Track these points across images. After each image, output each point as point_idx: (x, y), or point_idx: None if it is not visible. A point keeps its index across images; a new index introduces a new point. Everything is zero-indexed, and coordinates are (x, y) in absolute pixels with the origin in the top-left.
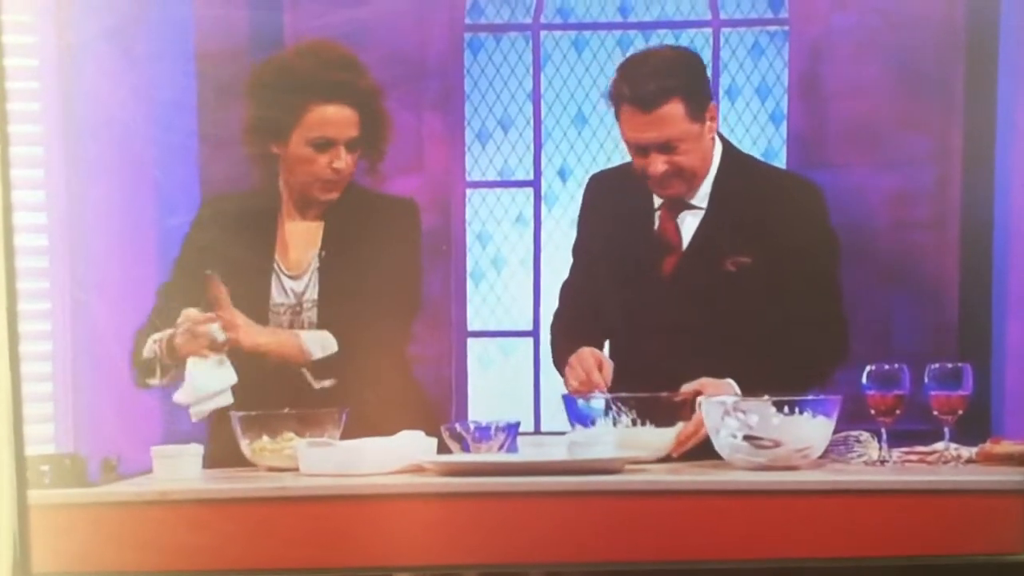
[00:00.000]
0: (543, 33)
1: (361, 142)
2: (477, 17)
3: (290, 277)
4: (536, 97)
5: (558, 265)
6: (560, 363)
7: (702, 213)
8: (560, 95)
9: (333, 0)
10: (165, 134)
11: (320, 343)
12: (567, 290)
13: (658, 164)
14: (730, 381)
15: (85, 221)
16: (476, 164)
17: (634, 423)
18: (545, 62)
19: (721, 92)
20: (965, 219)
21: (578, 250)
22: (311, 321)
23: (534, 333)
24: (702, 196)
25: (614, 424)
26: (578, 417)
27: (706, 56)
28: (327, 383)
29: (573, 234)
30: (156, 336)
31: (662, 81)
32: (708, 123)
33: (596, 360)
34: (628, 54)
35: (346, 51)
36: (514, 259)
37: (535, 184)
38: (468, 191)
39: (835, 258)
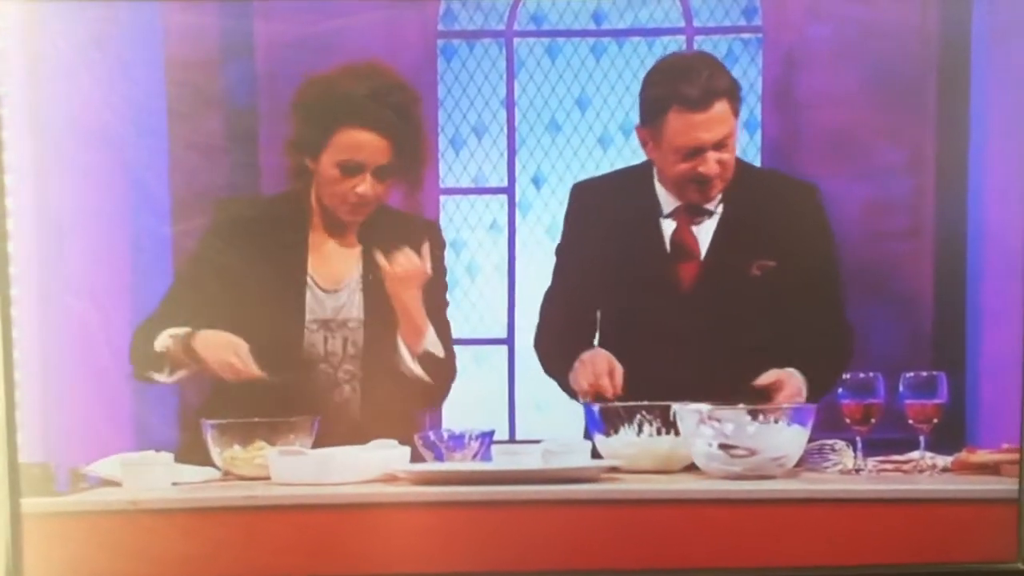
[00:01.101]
0: (517, 40)
1: (395, 170)
2: (451, 24)
3: (326, 292)
4: (510, 104)
5: (533, 272)
6: (555, 371)
7: (717, 218)
8: (534, 102)
9: (304, 7)
10: (136, 139)
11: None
12: (553, 300)
13: (712, 164)
14: (795, 371)
15: (55, 226)
16: (450, 171)
17: (659, 432)
18: (519, 69)
19: None
20: (939, 228)
21: (565, 260)
22: (352, 340)
23: (509, 341)
24: (715, 201)
25: (639, 433)
26: (598, 426)
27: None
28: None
29: (548, 241)
30: (172, 331)
31: (710, 81)
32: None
33: (609, 365)
34: (658, 59)
35: (398, 77)
36: (488, 266)
37: (509, 191)
38: (442, 198)
39: (836, 257)
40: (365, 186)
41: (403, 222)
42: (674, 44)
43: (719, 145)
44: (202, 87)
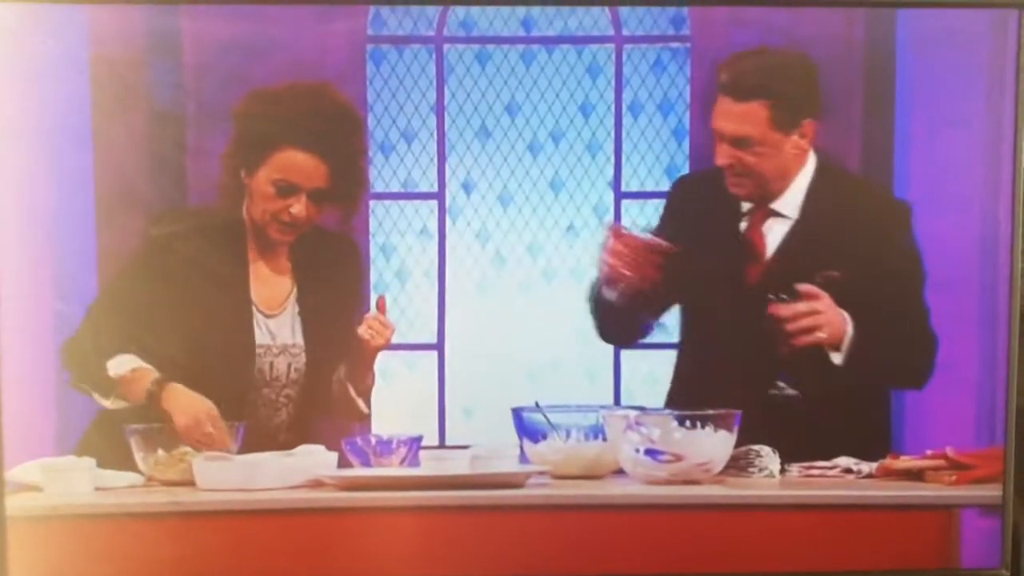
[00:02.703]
0: (447, 46)
1: (330, 195)
2: (379, 29)
3: (266, 316)
4: (440, 110)
5: (463, 277)
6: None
7: (791, 223)
8: (464, 108)
9: (232, 9)
10: (59, 141)
11: None
12: None
13: (723, 155)
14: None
15: None
16: (379, 176)
17: (586, 437)
18: (448, 75)
19: (624, 108)
20: None
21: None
22: (295, 367)
23: (438, 346)
24: (793, 206)
25: (567, 439)
26: (527, 431)
27: (608, 72)
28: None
29: (477, 246)
30: (135, 364)
31: (755, 79)
32: (797, 138)
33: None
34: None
35: (346, 102)
36: (418, 272)
37: (439, 196)
38: (371, 203)
39: (919, 275)
40: (299, 207)
41: (331, 241)
42: (603, 52)
43: (739, 143)
44: (127, 87)
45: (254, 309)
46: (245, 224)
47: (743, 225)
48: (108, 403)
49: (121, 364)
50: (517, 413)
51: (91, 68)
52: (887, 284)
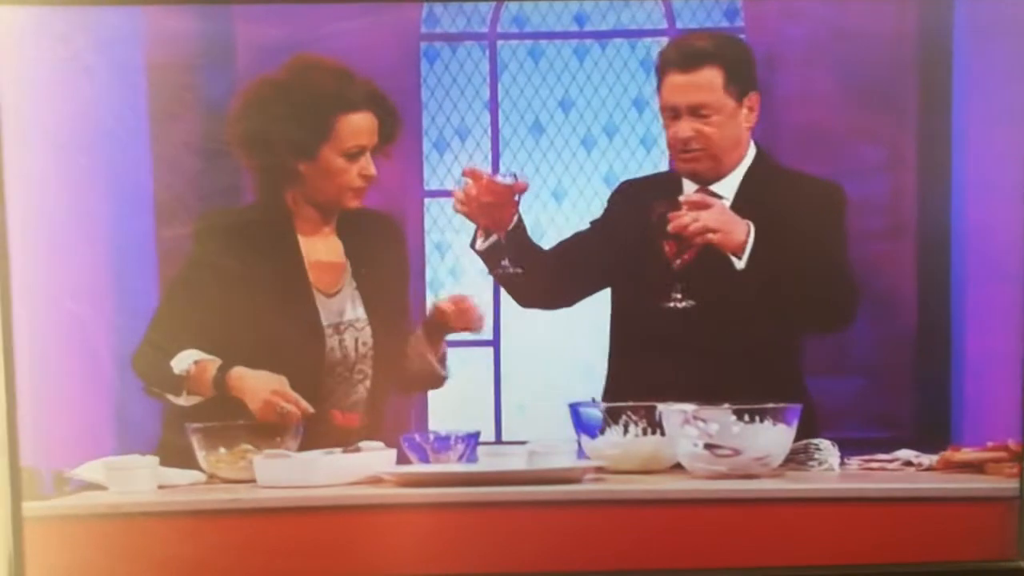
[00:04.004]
0: (500, 42)
1: (382, 144)
2: (433, 26)
3: (327, 296)
4: (493, 106)
5: None
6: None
7: (728, 203)
8: (517, 104)
9: (286, 11)
10: (116, 143)
11: None
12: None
13: (686, 128)
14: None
15: (35, 228)
16: (434, 173)
17: (644, 432)
18: (502, 71)
19: None
20: (922, 228)
21: (595, 250)
22: (363, 342)
23: (494, 342)
24: (730, 188)
25: (624, 433)
26: (584, 427)
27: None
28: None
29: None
30: (197, 356)
31: (705, 45)
32: (746, 111)
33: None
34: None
35: (336, 63)
36: (473, 269)
37: None
38: (426, 200)
39: (842, 243)
40: (371, 167)
41: (372, 219)
42: (656, 46)
43: (697, 112)
44: (182, 90)
45: (314, 291)
46: (289, 212)
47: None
48: (182, 401)
49: (183, 360)
50: (574, 408)
51: (147, 73)
52: (812, 251)
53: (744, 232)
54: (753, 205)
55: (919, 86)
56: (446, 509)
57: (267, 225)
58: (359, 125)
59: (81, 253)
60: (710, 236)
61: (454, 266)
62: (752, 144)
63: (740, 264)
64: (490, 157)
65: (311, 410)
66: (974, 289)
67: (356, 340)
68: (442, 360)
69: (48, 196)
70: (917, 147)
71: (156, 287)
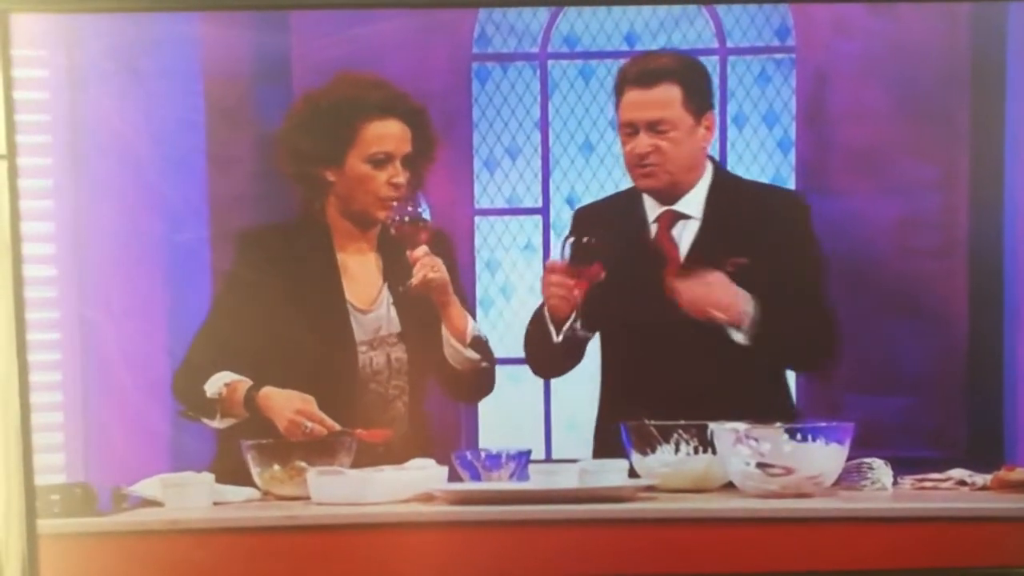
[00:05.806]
0: (550, 62)
1: (411, 161)
2: (484, 47)
3: (362, 312)
4: (544, 125)
5: None
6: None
7: (698, 224)
8: (567, 123)
9: (340, 24)
10: (172, 153)
11: None
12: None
13: (643, 143)
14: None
15: (94, 247)
16: (484, 192)
17: (696, 451)
18: (552, 91)
19: (729, 120)
20: (973, 245)
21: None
22: (395, 357)
23: None
24: (696, 206)
25: (676, 452)
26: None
27: (714, 84)
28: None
29: None
30: (227, 379)
31: (665, 62)
32: (703, 130)
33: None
34: None
35: (373, 75)
36: (523, 286)
37: (543, 211)
38: (477, 218)
39: (818, 261)
40: (400, 175)
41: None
42: (708, 65)
43: (656, 128)
44: (235, 105)
45: (349, 308)
46: (328, 226)
47: (652, 233)
48: (217, 423)
49: (214, 383)
50: (624, 427)
51: (205, 91)
52: (788, 272)
53: (744, 306)
54: (722, 218)
55: (971, 101)
56: (497, 527)
57: (305, 240)
58: (384, 131)
59: (138, 268)
60: (715, 313)
61: (504, 284)
62: (709, 164)
63: (740, 338)
64: (540, 176)
65: (337, 427)
66: None
67: (388, 356)
68: (476, 345)
69: (103, 210)
70: (969, 163)
71: (209, 303)
